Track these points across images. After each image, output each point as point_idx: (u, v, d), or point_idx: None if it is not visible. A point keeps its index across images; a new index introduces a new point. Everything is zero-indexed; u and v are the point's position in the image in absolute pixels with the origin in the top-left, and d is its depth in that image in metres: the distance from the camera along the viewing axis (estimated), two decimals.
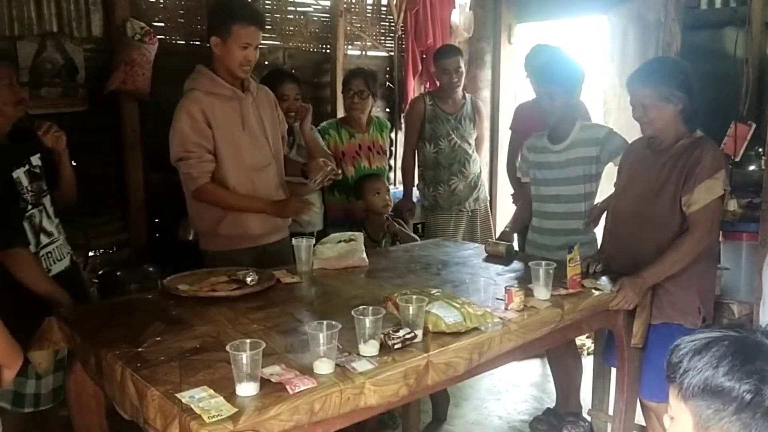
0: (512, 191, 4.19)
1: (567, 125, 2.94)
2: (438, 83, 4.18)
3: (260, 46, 2.76)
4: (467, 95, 4.15)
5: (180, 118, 2.65)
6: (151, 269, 3.34)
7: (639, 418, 2.70)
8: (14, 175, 2.35)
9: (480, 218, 4.20)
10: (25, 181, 2.38)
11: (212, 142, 2.68)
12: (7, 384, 1.46)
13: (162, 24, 3.76)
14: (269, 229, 2.85)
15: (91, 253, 3.51)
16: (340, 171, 3.56)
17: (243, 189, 2.75)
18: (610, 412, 2.80)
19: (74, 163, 2.66)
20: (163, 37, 3.67)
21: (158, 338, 1.83)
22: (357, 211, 3.47)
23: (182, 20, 3.86)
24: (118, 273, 3.32)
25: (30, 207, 2.39)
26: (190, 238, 3.60)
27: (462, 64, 3.98)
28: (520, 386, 3.79)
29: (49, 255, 2.46)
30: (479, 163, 4.20)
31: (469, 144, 4.08)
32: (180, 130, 2.65)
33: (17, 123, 2.47)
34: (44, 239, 2.45)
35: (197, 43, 3.87)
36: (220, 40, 2.64)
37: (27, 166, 2.40)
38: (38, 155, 2.48)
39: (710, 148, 2.41)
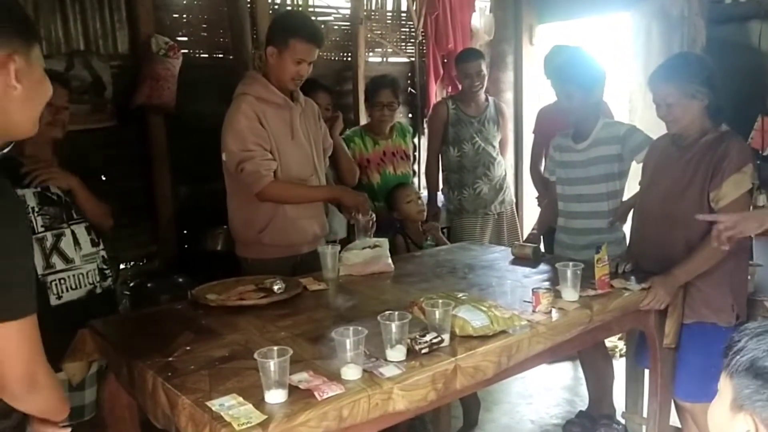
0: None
1: (589, 124, 2.92)
2: (460, 87, 4.18)
3: None
4: (490, 98, 4.15)
5: (236, 120, 2.63)
6: (181, 280, 3.38)
7: (674, 420, 2.66)
8: (18, 192, 2.32)
9: (506, 221, 4.18)
10: (31, 201, 2.35)
11: (270, 143, 2.68)
12: None
13: (186, 38, 3.82)
14: (310, 239, 2.86)
15: (122, 266, 3.58)
16: (365, 180, 3.64)
17: None
18: (645, 414, 2.77)
19: (104, 177, 2.65)
20: (187, 51, 3.72)
21: (188, 347, 1.85)
22: (382, 218, 3.48)
23: (205, 34, 3.91)
24: (149, 284, 3.37)
25: (42, 229, 2.36)
26: (219, 248, 3.65)
27: (484, 67, 3.98)
28: (551, 389, 3.76)
29: (62, 281, 2.42)
30: (504, 166, 4.18)
31: (494, 147, 4.07)
32: (239, 131, 2.62)
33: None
34: (59, 264, 2.41)
35: (220, 56, 3.93)
36: (276, 51, 2.66)
37: (38, 188, 2.38)
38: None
39: (736, 142, 2.37)
